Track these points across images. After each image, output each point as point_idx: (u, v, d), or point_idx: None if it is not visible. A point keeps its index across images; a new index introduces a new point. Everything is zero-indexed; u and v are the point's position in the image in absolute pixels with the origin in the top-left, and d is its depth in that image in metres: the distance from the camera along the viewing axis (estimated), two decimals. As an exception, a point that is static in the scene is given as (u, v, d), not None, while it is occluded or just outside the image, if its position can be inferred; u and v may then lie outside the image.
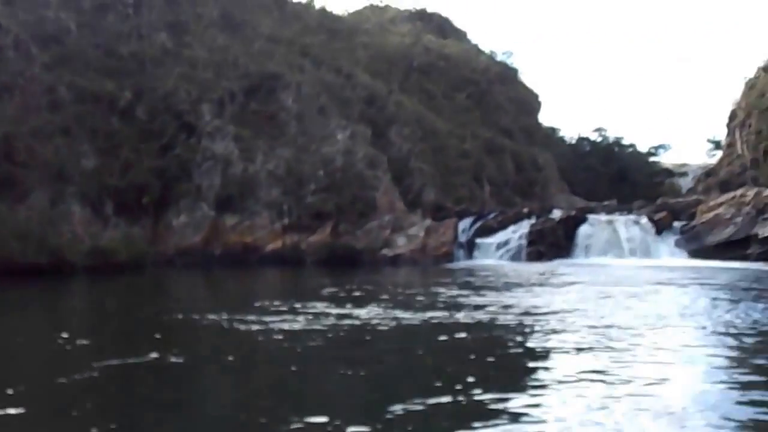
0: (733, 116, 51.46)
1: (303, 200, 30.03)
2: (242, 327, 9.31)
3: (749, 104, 48.24)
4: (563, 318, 10.13)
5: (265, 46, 34.71)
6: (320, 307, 11.36)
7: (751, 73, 51.15)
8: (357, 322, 9.66)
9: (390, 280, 21.00)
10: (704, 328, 9.21)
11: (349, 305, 11.59)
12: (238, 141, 30.00)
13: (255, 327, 9.19)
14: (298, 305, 11.53)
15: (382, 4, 56.67)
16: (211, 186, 28.71)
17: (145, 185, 27.52)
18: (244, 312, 10.79)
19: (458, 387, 5.78)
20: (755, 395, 5.59)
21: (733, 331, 8.88)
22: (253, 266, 26.55)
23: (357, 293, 15.77)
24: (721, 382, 6.18)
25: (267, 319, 9.79)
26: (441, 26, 57.86)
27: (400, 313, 10.54)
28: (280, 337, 8.47)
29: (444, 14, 61.21)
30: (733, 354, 7.46)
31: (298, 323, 9.44)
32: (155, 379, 6.64)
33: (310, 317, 10.03)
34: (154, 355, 7.44)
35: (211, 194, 28.65)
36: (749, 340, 8.23)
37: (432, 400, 5.33)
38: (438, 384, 6.19)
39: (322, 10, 47.52)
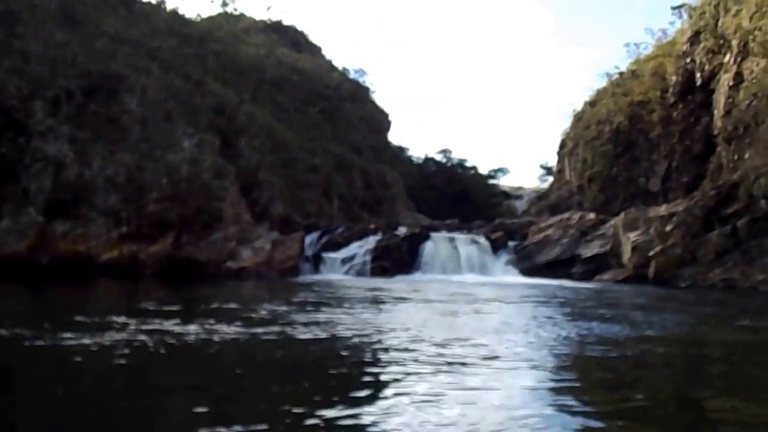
0: (563, 145, 55.17)
1: (144, 209, 28.42)
2: (41, 343, 8.39)
3: (577, 135, 51.95)
4: (399, 333, 10.08)
5: (108, 45, 32.76)
6: (145, 322, 10.54)
7: (579, 107, 55.34)
8: (180, 340, 9.00)
9: (230, 294, 20.19)
10: (530, 341, 9.47)
11: (176, 320, 10.83)
12: (73, 143, 27.91)
13: (58, 344, 8.29)
14: (118, 320, 10.60)
15: (236, 13, 55.71)
16: (41, 190, 26.39)
17: (-38, 186, 25.04)
18: (51, 329, 9.77)
19: (281, 407, 5.46)
20: (568, 403, 5.72)
21: (557, 343, 9.21)
22: (85, 277, 24.68)
23: (190, 307, 14.95)
24: (543, 392, 6.30)
25: (72, 335, 8.87)
26: (296, 40, 57.83)
27: (231, 329, 10.01)
28: (82, 357, 7.63)
29: (300, 28, 61.34)
30: (555, 365, 7.69)
31: (111, 341, 8.58)
32: None
33: (128, 334, 9.21)
34: None
35: (40, 198, 26.33)
36: (567, 352, 8.57)
37: (251, 425, 4.95)
38: (260, 405, 5.82)
39: (174, 13, 45.88)
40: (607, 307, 15.85)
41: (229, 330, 9.92)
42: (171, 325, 10.17)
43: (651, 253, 28.27)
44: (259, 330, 10.06)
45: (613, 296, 20.49)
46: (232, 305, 15.33)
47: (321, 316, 12.21)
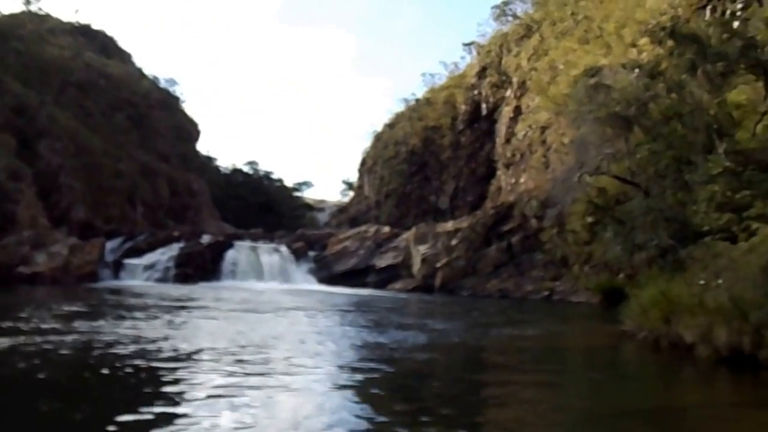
0: (363, 163, 56.75)
1: (-75, 210, 25.05)
2: None
3: (376, 154, 53.73)
4: (195, 339, 9.66)
5: None
6: None
7: (379, 128, 57.23)
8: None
9: (13, 301, 18.05)
10: (324, 348, 9.52)
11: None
12: None
13: None
14: None
15: (41, 13, 50.75)
16: None
17: None
18: None
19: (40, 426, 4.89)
20: (357, 406, 5.78)
21: (348, 350, 9.33)
22: None
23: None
24: (334, 396, 6.31)
25: None
26: (105, 45, 54.11)
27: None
28: None
29: (110, 33, 57.46)
30: (345, 371, 7.74)
31: None
32: None
33: None
34: None
35: None
36: (359, 357, 8.69)
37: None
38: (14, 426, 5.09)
39: (-30, 6, 41.01)
40: (398, 315, 16.43)
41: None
42: None
43: (438, 265, 29.81)
44: (33, 340, 9.02)
45: (403, 304, 21.25)
46: (9, 313, 13.46)
47: (107, 326, 11.19)
